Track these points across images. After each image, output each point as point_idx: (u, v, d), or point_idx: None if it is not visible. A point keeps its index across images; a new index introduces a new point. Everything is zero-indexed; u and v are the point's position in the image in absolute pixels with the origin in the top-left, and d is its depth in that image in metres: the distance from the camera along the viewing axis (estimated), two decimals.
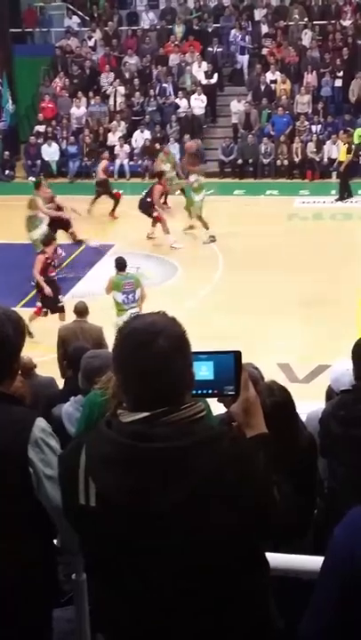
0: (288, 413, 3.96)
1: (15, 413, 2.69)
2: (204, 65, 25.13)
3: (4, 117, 25.32)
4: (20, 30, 27.83)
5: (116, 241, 18.28)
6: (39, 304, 13.58)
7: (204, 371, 2.33)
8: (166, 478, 2.08)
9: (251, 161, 23.36)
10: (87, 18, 28.04)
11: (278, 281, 15.14)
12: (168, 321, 2.22)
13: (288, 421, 3.91)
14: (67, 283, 15.99)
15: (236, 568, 2.14)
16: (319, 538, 3.68)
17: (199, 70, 25.14)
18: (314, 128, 23.28)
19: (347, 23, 25.43)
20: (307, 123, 23.40)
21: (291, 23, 25.97)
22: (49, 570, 2.71)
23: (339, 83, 24.34)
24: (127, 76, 25.59)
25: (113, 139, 24.12)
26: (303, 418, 4.49)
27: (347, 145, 21.00)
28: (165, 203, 18.99)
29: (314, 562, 2.59)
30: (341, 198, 20.69)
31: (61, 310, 13.33)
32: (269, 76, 24.70)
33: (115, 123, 24.41)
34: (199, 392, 2.31)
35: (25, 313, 13.01)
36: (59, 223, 16.69)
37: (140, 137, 24.01)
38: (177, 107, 24.56)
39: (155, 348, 2.14)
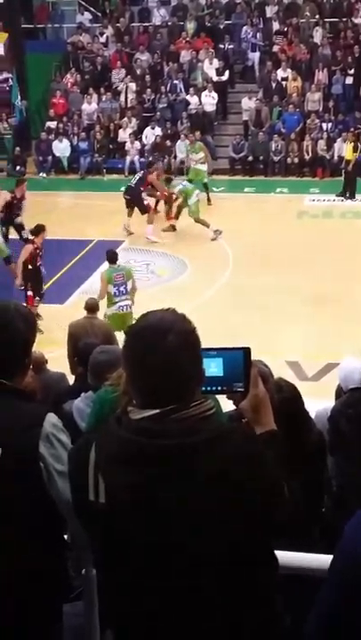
0: (297, 410, 3.97)
1: (26, 409, 2.70)
2: (216, 62, 25.08)
3: (14, 113, 25.37)
4: (31, 26, 27.85)
5: (126, 237, 18.30)
6: (30, 293, 13.76)
7: (213, 367, 2.33)
8: (175, 476, 2.09)
9: (261, 158, 23.31)
10: (99, 14, 28.03)
11: (288, 279, 15.14)
12: (178, 318, 2.22)
13: (297, 418, 3.91)
14: (76, 279, 16.05)
15: (244, 564, 2.14)
16: (327, 536, 3.68)
17: (210, 67, 25.10)
18: (325, 126, 23.21)
19: (358, 21, 25.33)
20: (317, 120, 23.34)
21: (302, 20, 25.88)
22: (59, 565, 2.72)
23: (350, 80, 24.25)
24: (138, 72, 25.58)
25: (124, 135, 24.11)
26: (312, 415, 4.49)
27: (353, 144, 21.01)
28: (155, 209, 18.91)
29: (321, 560, 2.60)
30: (343, 195, 20.70)
31: (41, 298, 13.78)
32: (280, 73, 24.65)
33: (126, 119, 24.40)
34: (208, 389, 2.31)
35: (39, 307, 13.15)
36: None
37: (151, 133, 23.99)
38: (188, 103, 24.52)
39: (164, 345, 2.15)
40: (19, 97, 25.22)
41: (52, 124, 24.87)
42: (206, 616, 2.14)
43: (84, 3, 28.25)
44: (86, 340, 7.61)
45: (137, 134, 24.10)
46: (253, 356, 2.41)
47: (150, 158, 21.79)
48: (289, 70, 24.57)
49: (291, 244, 17.07)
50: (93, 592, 2.73)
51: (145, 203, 17.94)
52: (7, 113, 25.45)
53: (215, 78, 24.86)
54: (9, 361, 2.69)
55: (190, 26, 26.38)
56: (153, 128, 24.05)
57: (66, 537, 2.73)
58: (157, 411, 2.13)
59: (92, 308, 10.27)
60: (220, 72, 24.97)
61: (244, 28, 25.73)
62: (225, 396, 2.47)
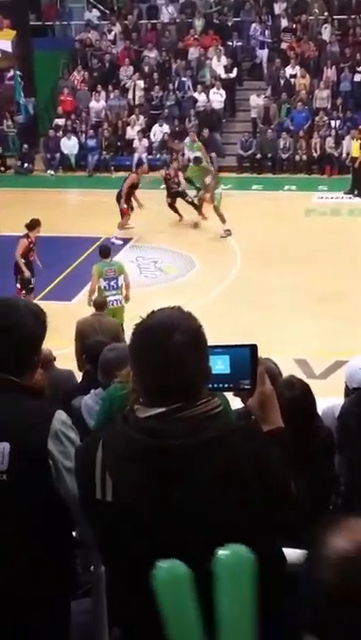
0: (308, 407, 3.97)
1: (35, 406, 2.70)
2: (224, 59, 25.05)
3: (20, 111, 25.40)
4: (40, 24, 27.87)
5: (135, 234, 18.30)
6: (18, 286, 14.01)
7: (219, 365, 2.33)
8: (181, 474, 2.09)
9: (269, 156, 23.29)
10: (107, 11, 28.02)
11: (296, 276, 15.12)
12: (184, 316, 2.22)
13: (308, 415, 3.92)
14: (83, 276, 16.04)
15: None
16: None
17: (218, 64, 25.08)
18: (333, 123, 23.17)
19: None
20: (326, 118, 23.30)
21: (311, 17, 25.85)
22: (67, 562, 2.73)
23: (358, 77, 24.21)
24: (146, 69, 25.57)
25: (132, 132, 24.12)
26: (319, 413, 4.49)
27: (359, 141, 20.99)
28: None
29: None
30: (351, 192, 20.69)
31: (31, 291, 13.99)
32: (289, 70, 24.62)
33: (134, 116, 24.41)
34: (215, 386, 2.31)
35: (43, 305, 13.10)
36: None
37: (159, 131, 24.00)
38: (196, 101, 24.50)
39: (171, 343, 2.14)
40: (22, 95, 25.22)
41: (60, 122, 24.89)
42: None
43: (92, 0, 28.27)
44: (95, 338, 7.62)
45: (145, 132, 24.10)
46: (261, 354, 2.41)
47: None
48: (297, 67, 24.53)
49: (299, 242, 17.05)
50: (102, 589, 2.73)
51: (122, 206, 17.96)
52: (11, 111, 25.46)
53: (223, 75, 24.84)
54: (18, 358, 2.69)
55: (198, 23, 26.36)
56: (161, 125, 24.05)
57: (74, 534, 2.74)
58: (164, 409, 2.14)
59: (100, 305, 10.29)
60: (228, 69, 24.95)
61: (253, 25, 25.70)
62: (232, 393, 2.47)
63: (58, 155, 24.19)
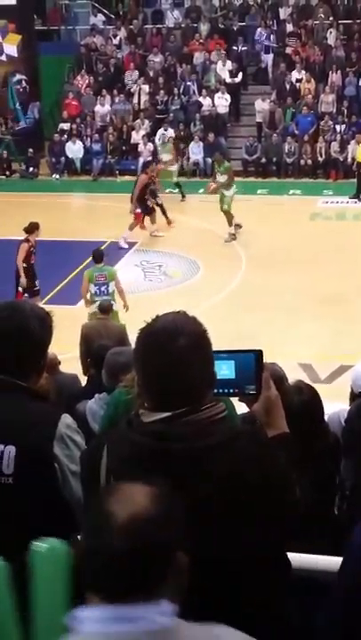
0: (316, 412, 3.98)
1: (41, 409, 2.71)
2: (229, 63, 25.08)
3: (17, 118, 25.40)
4: (45, 28, 27.95)
5: (140, 238, 18.31)
6: (20, 289, 14.06)
7: (225, 370, 2.33)
8: (185, 479, 2.08)
9: (274, 160, 23.31)
10: (112, 16, 28.08)
11: (301, 280, 15.12)
12: (188, 320, 2.22)
13: (316, 420, 3.93)
14: None
15: (255, 566, 2.15)
16: (340, 539, 3.68)
17: (223, 69, 25.09)
18: (338, 127, 23.18)
19: None
20: (331, 122, 23.31)
21: (316, 22, 25.86)
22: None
23: None
24: (151, 74, 25.61)
25: (136, 137, 24.14)
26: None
27: None
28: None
29: (332, 562, 2.61)
30: (356, 197, 20.70)
31: (37, 294, 14.11)
32: (294, 75, 24.63)
33: (139, 121, 24.43)
34: (220, 391, 2.31)
35: (47, 309, 13.12)
36: None
37: (164, 135, 24.00)
38: (201, 105, 24.53)
39: (175, 348, 2.14)
40: (17, 101, 25.12)
41: (66, 126, 24.93)
42: (217, 618, 2.14)
43: (97, 5, 28.33)
44: (100, 342, 7.63)
45: (150, 136, 24.10)
46: (266, 358, 2.41)
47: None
48: (303, 72, 24.55)
49: (304, 246, 17.05)
50: None
51: (135, 210, 17.97)
52: (5, 117, 25.41)
53: (228, 80, 24.86)
54: (24, 361, 2.70)
55: (204, 27, 26.39)
56: (166, 130, 24.05)
57: (79, 537, 2.74)
58: (169, 414, 2.13)
59: (105, 309, 10.30)
60: (233, 74, 24.97)
61: (258, 29, 25.72)
62: (237, 398, 2.48)
63: (63, 159, 24.22)
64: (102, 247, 17.66)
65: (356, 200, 20.76)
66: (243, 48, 25.67)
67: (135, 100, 25.18)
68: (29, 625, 2.06)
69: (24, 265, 14.14)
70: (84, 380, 7.94)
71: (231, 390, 2.37)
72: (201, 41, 25.97)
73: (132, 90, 25.41)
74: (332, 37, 25.27)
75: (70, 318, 13.02)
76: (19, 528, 2.59)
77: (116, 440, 2.23)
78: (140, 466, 2.12)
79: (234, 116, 24.97)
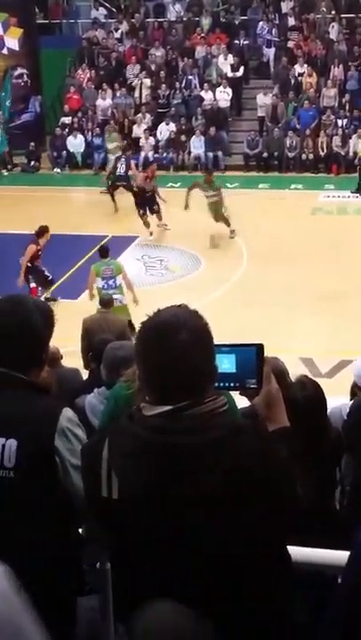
0: (320, 407, 3.98)
1: (42, 403, 2.71)
2: (230, 57, 25.04)
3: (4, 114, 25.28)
4: (47, 22, 27.90)
5: (141, 233, 18.30)
6: (33, 285, 14.50)
7: (226, 364, 2.33)
8: (187, 472, 2.09)
9: (276, 154, 23.27)
10: (114, 9, 28.02)
11: (302, 275, 15.13)
12: (190, 314, 2.22)
13: (320, 415, 3.93)
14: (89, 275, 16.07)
15: (258, 560, 2.15)
16: (341, 533, 3.68)
17: (225, 63, 25.06)
18: (340, 122, 23.15)
19: None
20: (333, 116, 23.28)
21: (318, 16, 25.81)
22: (74, 558, 2.74)
23: None
24: (153, 68, 25.57)
25: (138, 131, 24.13)
26: None
27: None
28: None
29: (335, 556, 2.61)
30: (358, 191, 20.69)
31: (52, 283, 14.91)
32: (296, 69, 24.59)
33: (140, 115, 24.41)
34: (221, 385, 2.31)
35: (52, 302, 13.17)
36: None
37: (166, 129, 24.00)
38: (202, 99, 24.50)
39: (177, 342, 2.14)
40: (9, 98, 24.92)
41: (67, 120, 24.90)
42: (220, 612, 2.14)
43: None
44: (102, 336, 7.62)
45: (151, 130, 24.11)
46: (267, 353, 2.41)
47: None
48: (305, 66, 24.50)
49: (305, 241, 17.04)
50: (108, 586, 2.74)
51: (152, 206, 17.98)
52: None
53: (230, 74, 24.83)
54: (26, 355, 2.70)
55: (205, 21, 26.35)
56: (167, 124, 24.05)
57: (81, 531, 2.75)
58: (170, 407, 2.13)
59: (106, 303, 10.30)
60: (234, 68, 24.93)
61: (260, 23, 25.67)
62: (238, 392, 2.48)
63: (64, 153, 24.21)
64: (104, 242, 17.72)
65: (357, 195, 20.75)
66: (244, 42, 25.62)
67: (137, 94, 25.15)
68: None
69: (28, 264, 14.40)
70: (85, 374, 7.94)
71: (232, 384, 2.37)
72: (203, 35, 25.92)
73: (133, 84, 25.38)
74: (334, 31, 25.21)
75: (71, 312, 13.06)
76: (20, 522, 2.59)
77: (117, 434, 2.23)
78: (143, 459, 2.13)
79: (235, 110, 24.93)
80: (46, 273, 14.83)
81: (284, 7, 26.26)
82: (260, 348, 2.38)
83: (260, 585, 2.17)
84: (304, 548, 2.62)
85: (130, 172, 19.26)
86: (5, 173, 24.02)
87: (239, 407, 3.67)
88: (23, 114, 25.75)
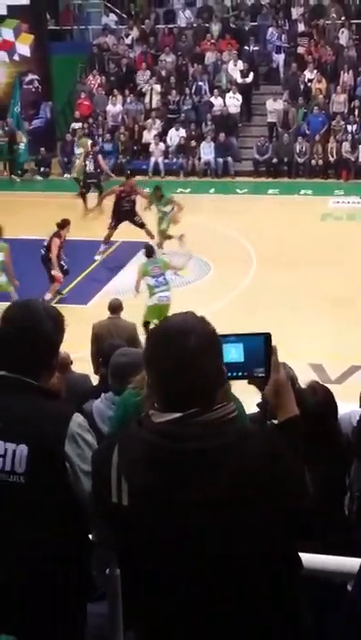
0: (330, 413, 3.98)
1: (53, 408, 2.71)
2: (240, 63, 25.08)
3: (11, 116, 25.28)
4: (57, 28, 28.01)
5: (148, 239, 18.27)
6: (60, 274, 15.03)
7: (233, 353, 2.33)
8: (197, 479, 2.10)
9: (285, 160, 23.28)
10: (124, 16, 28.13)
11: (311, 281, 15.10)
12: (198, 320, 2.23)
13: (330, 421, 3.93)
14: (99, 280, 16.10)
15: (267, 564, 2.15)
16: (350, 539, 3.68)
17: (235, 69, 25.10)
18: (349, 128, 23.14)
19: None
20: (342, 122, 23.27)
21: (328, 22, 25.83)
22: (83, 564, 2.74)
23: None
24: (163, 74, 25.62)
25: (148, 137, 24.17)
26: None
27: None
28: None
29: (346, 564, 2.61)
30: None
31: (67, 273, 15.34)
32: (306, 75, 24.59)
33: (150, 121, 24.45)
34: (229, 374, 2.31)
35: (62, 308, 13.17)
36: None
37: (176, 135, 24.04)
38: (212, 105, 24.53)
39: (185, 348, 2.15)
40: (18, 105, 24.89)
41: (77, 126, 24.94)
42: (228, 616, 2.15)
43: (109, 4, 28.36)
44: (111, 341, 7.63)
45: (161, 136, 24.14)
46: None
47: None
48: (314, 72, 24.50)
49: (314, 246, 17.02)
50: (117, 592, 2.74)
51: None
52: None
53: (240, 80, 24.85)
54: (37, 361, 2.71)
55: (215, 27, 26.40)
56: (177, 130, 24.09)
57: (91, 536, 2.75)
58: (180, 414, 2.14)
59: (115, 308, 10.30)
60: (244, 74, 24.96)
61: (270, 29, 25.71)
62: (246, 382, 2.46)
63: (74, 158, 24.22)
64: (113, 247, 17.75)
65: None
66: (254, 48, 25.65)
67: (147, 100, 25.20)
68: None
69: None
70: (95, 380, 7.94)
71: (240, 373, 2.37)
72: (212, 41, 25.97)
73: (143, 90, 25.43)
74: (344, 37, 25.23)
75: (81, 318, 13.08)
76: (30, 527, 2.60)
77: (127, 440, 2.23)
78: (152, 465, 2.13)
79: (245, 115, 24.96)
80: (62, 262, 15.21)
81: (294, 13, 26.30)
82: (267, 336, 2.38)
83: (267, 587, 2.17)
84: (312, 555, 2.62)
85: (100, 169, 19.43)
86: (18, 180, 24.05)
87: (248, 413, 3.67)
88: (34, 120, 25.80)
